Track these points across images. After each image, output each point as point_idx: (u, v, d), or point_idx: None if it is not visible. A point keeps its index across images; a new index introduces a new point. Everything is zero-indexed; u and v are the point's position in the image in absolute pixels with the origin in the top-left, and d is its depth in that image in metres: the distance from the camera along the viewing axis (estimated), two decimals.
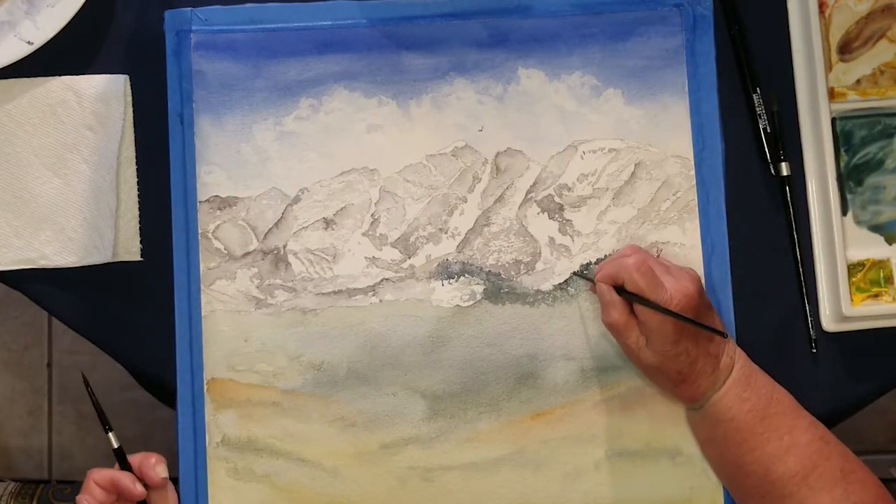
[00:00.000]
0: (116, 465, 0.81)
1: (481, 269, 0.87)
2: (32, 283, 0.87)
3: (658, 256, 0.86)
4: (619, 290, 0.81)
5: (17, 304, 1.51)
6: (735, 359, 0.81)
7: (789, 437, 0.78)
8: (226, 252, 0.86)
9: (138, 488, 0.78)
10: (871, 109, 0.88)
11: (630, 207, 0.87)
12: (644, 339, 0.80)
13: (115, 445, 0.81)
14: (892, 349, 0.88)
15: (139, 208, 0.87)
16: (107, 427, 0.81)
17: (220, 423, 0.85)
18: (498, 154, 0.88)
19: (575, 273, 0.87)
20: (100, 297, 0.87)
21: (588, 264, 0.87)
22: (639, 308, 0.79)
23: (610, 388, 0.87)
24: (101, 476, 0.79)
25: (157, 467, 0.80)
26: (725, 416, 0.80)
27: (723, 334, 0.79)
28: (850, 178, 0.88)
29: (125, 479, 0.79)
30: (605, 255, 0.87)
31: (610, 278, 0.81)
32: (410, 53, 0.87)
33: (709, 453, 0.84)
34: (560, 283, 0.87)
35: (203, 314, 0.86)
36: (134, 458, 0.81)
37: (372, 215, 0.87)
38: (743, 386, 0.80)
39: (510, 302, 0.87)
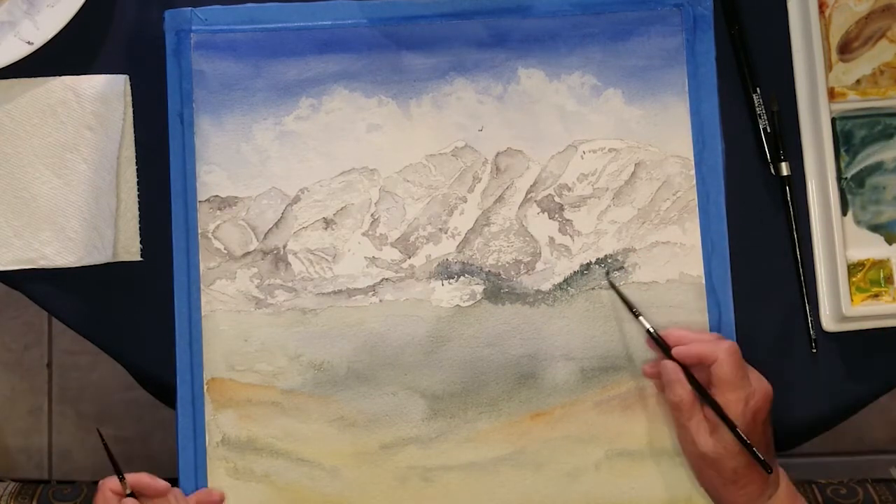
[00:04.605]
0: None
1: (481, 269, 0.87)
2: (32, 283, 0.87)
3: None
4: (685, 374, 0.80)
5: (17, 304, 1.51)
6: (780, 476, 0.81)
7: None
8: (226, 252, 0.86)
9: None
10: (871, 109, 0.88)
11: (630, 207, 0.87)
12: (706, 425, 0.79)
13: (127, 492, 0.80)
14: (892, 349, 0.88)
15: (139, 208, 0.87)
16: (121, 477, 0.80)
17: (219, 423, 0.85)
18: (498, 154, 0.88)
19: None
20: (100, 297, 0.87)
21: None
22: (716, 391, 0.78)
23: (610, 388, 0.86)
24: None
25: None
26: None
27: (767, 468, 0.77)
28: (851, 178, 0.88)
29: None
30: (605, 255, 0.87)
31: (695, 357, 0.80)
32: (410, 53, 0.87)
33: None
34: (560, 283, 0.87)
35: (203, 314, 0.86)
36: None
37: (372, 215, 0.87)
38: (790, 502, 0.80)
39: (510, 302, 0.87)
